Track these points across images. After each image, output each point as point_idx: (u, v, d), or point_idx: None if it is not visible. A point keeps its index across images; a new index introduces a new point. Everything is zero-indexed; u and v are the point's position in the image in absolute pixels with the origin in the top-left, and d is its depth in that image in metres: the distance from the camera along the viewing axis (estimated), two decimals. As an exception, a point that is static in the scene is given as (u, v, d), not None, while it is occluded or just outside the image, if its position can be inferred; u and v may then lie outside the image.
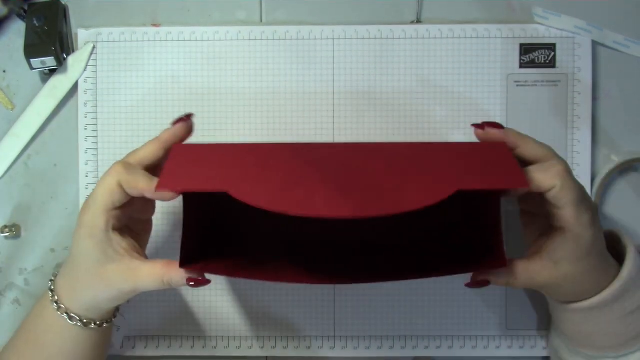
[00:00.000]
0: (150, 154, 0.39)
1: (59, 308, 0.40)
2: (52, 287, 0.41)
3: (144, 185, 0.36)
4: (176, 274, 0.37)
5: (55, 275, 0.42)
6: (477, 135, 0.40)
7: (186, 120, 0.40)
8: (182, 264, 0.37)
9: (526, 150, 0.38)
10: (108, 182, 0.37)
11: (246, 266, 0.41)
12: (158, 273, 0.38)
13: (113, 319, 0.43)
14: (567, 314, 0.41)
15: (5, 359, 0.42)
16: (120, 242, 0.38)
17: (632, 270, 0.39)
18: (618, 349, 0.40)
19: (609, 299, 0.38)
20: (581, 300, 0.40)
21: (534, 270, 0.38)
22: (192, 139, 0.50)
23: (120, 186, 0.37)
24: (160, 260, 0.38)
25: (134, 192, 0.37)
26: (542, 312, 0.49)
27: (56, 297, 0.40)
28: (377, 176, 0.35)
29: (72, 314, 0.40)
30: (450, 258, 0.41)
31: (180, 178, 0.36)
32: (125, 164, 0.38)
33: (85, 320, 0.40)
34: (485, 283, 0.39)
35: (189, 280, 0.37)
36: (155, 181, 0.36)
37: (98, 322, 0.41)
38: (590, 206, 0.37)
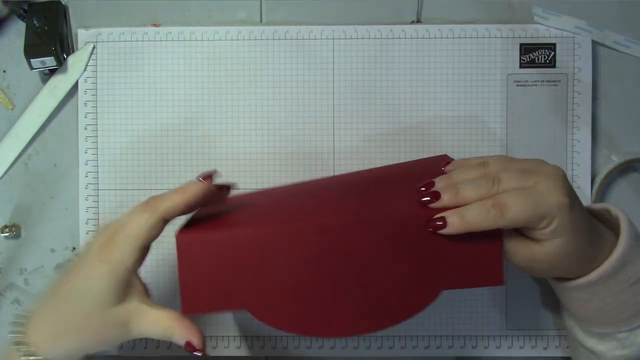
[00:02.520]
0: (175, 208, 0.36)
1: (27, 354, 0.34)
2: (23, 338, 0.35)
3: (181, 202, 0.36)
4: (180, 334, 0.35)
5: (22, 320, 0.36)
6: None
7: (209, 178, 0.37)
8: (186, 311, 0.36)
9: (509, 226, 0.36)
10: (147, 217, 0.35)
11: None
12: (164, 325, 0.35)
13: None
14: (572, 292, 0.41)
15: None
16: (137, 285, 0.36)
17: (628, 238, 0.38)
18: (629, 321, 0.39)
19: (610, 271, 0.38)
20: (582, 277, 0.39)
21: (523, 251, 0.37)
22: (201, 134, 0.50)
23: (162, 221, 0.35)
24: (167, 309, 0.36)
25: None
26: (542, 312, 0.49)
27: (29, 349, 0.34)
28: (379, 286, 0.37)
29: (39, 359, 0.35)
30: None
31: (201, 297, 0.35)
32: (161, 199, 0.36)
33: None
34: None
35: (187, 344, 0.35)
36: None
37: None
38: (566, 192, 0.36)
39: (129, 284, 0.35)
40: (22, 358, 0.34)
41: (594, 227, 0.39)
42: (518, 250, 0.37)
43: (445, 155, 0.46)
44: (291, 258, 0.36)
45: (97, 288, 0.34)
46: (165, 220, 0.36)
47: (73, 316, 0.35)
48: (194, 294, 0.35)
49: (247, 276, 0.36)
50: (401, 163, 0.48)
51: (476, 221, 0.34)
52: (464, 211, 0.35)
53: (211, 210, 0.41)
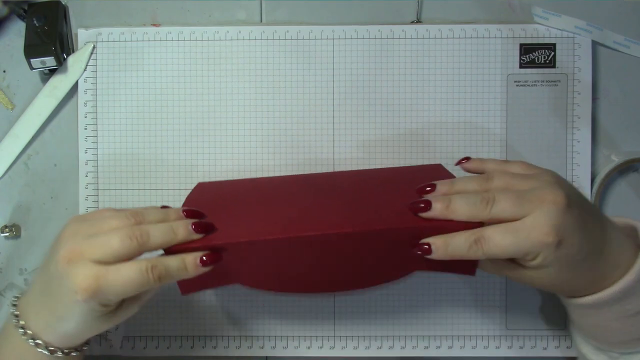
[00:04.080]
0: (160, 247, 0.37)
1: (25, 333, 0.38)
2: (16, 313, 0.39)
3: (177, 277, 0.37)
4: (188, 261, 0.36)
5: (16, 301, 0.40)
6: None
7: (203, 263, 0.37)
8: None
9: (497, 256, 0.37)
10: (139, 277, 0.35)
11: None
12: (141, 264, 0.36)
13: (84, 348, 0.41)
14: (570, 306, 0.41)
15: None
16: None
17: (638, 274, 0.36)
18: (621, 346, 0.39)
19: (607, 300, 0.37)
20: (580, 296, 0.39)
21: (526, 275, 0.38)
22: (201, 134, 0.50)
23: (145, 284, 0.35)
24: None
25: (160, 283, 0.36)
26: (542, 312, 0.49)
27: (22, 322, 0.38)
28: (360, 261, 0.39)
29: (38, 341, 0.38)
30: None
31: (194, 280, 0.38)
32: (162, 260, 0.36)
33: (51, 348, 0.38)
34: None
35: (201, 261, 0.36)
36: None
37: (66, 351, 0.39)
38: (576, 206, 0.35)
39: (109, 309, 0.37)
40: (19, 330, 0.37)
41: (602, 252, 0.37)
42: (509, 269, 0.38)
43: (440, 165, 0.46)
44: (277, 258, 0.38)
45: (77, 309, 0.36)
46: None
47: (56, 312, 0.37)
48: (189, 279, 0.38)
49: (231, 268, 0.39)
50: (394, 168, 0.48)
51: (458, 253, 0.36)
52: (449, 240, 0.36)
53: (209, 196, 0.44)
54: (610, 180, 0.50)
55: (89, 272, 0.34)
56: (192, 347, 0.50)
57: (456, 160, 0.43)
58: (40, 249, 0.50)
